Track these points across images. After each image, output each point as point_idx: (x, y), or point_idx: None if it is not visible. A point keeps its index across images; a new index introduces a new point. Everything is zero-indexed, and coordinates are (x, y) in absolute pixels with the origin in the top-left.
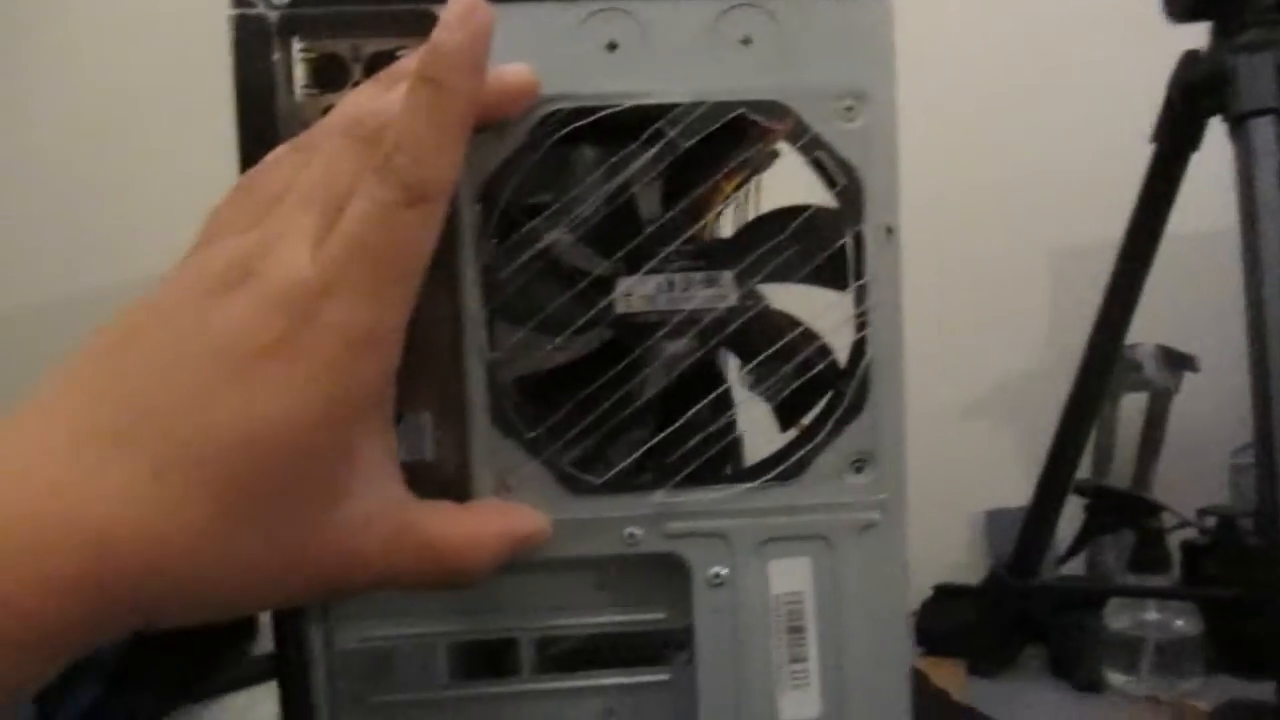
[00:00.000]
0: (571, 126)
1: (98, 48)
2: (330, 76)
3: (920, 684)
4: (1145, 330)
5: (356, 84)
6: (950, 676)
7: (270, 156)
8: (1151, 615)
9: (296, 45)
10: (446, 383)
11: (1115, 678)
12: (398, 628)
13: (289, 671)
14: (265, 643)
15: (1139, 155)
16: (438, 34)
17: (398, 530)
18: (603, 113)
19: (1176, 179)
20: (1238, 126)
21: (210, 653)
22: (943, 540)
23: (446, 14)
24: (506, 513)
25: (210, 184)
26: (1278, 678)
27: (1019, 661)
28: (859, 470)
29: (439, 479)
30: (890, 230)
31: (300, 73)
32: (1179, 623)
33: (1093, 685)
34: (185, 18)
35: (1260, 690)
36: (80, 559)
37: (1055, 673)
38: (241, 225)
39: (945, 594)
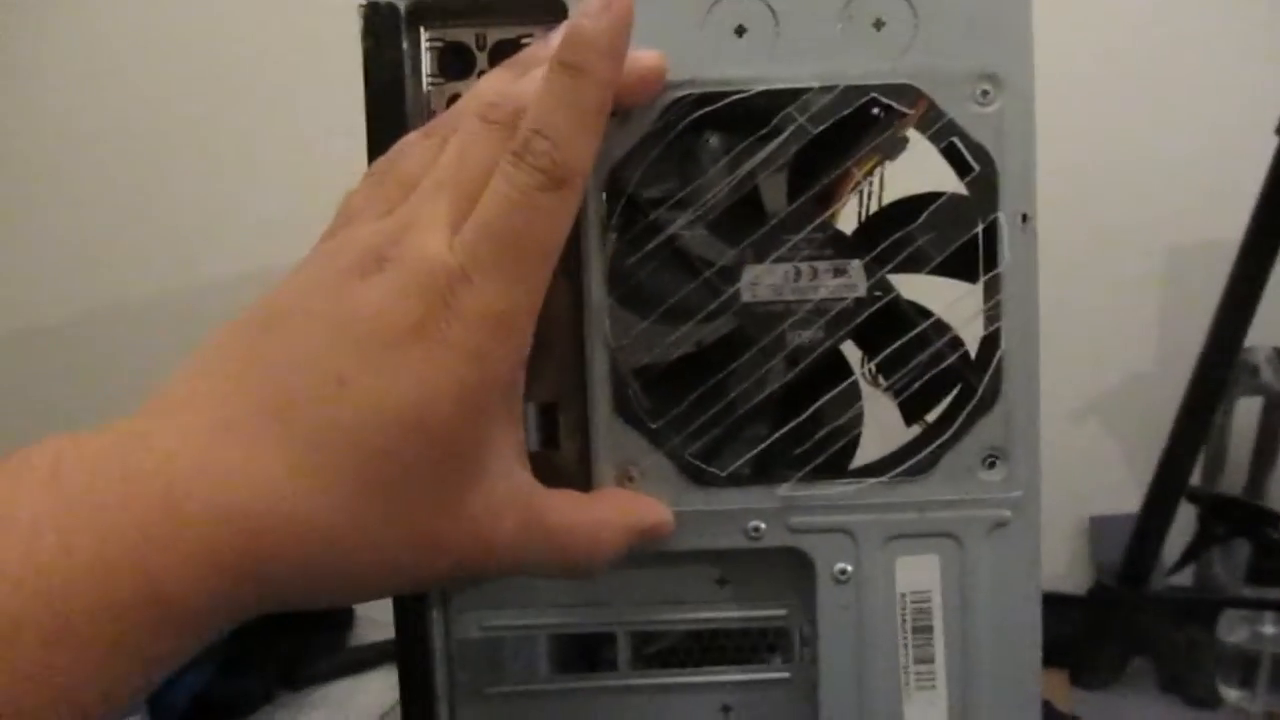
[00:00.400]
0: (699, 113)
1: (227, 38)
2: (456, 65)
3: None
4: (1261, 332)
5: (482, 72)
6: (1054, 686)
7: (401, 143)
8: (1269, 629)
9: (424, 34)
10: (570, 372)
11: (1230, 693)
12: (517, 618)
13: (410, 660)
14: (362, 632)
15: (1263, 149)
16: (580, 19)
17: (527, 518)
18: (732, 98)
19: None
20: None
21: (310, 641)
22: (1046, 546)
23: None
24: (632, 503)
25: (341, 173)
26: None
27: (1126, 674)
28: (991, 466)
29: (562, 468)
30: (1026, 218)
31: (427, 61)
32: None
33: (1206, 701)
34: (311, 6)
35: None
36: (225, 542)
37: (1165, 687)
38: (374, 212)
39: (1049, 602)
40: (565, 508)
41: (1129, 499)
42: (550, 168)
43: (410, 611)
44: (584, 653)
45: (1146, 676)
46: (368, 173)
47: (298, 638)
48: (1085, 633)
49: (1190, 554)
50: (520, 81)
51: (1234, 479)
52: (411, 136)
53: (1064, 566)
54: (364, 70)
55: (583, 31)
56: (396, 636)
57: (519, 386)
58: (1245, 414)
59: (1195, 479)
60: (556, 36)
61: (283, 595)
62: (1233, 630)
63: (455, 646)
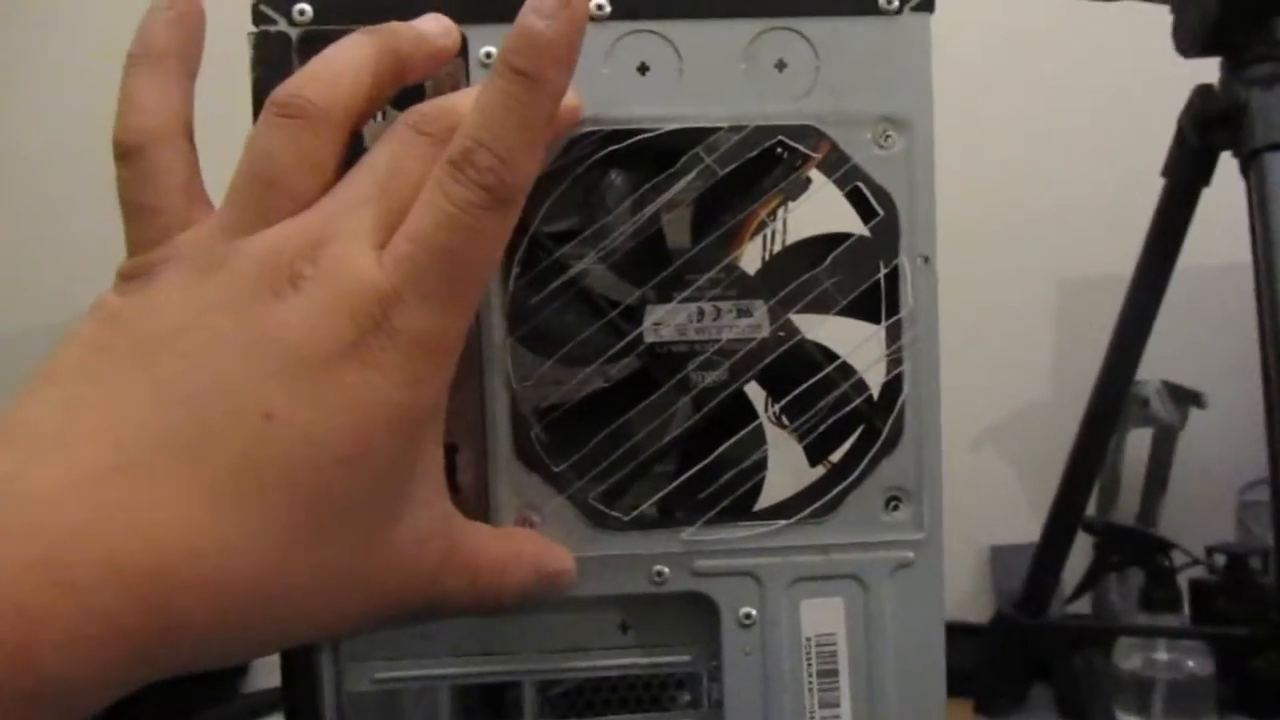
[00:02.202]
0: (606, 150)
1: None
2: None
3: None
4: (1151, 366)
5: None
6: (958, 717)
7: (271, 138)
8: (1162, 655)
9: None
10: (468, 411)
11: (1126, 719)
12: (411, 668)
13: (298, 715)
14: (255, 678)
15: (1151, 188)
16: (532, 21)
17: (447, 547)
18: (641, 137)
19: (1187, 213)
20: (1252, 161)
21: (201, 687)
22: (948, 576)
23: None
24: (539, 543)
25: None
26: None
27: (1027, 702)
28: (894, 508)
29: (463, 511)
30: (927, 260)
31: None
32: (1190, 663)
33: None
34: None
35: None
36: (129, 605)
37: (1064, 713)
38: (249, 224)
39: (952, 631)
40: (480, 538)
41: (1029, 528)
42: (495, 185)
43: (298, 661)
44: (489, 700)
45: (1047, 703)
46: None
47: (186, 683)
48: (988, 661)
49: (1087, 583)
50: (455, 96)
51: (1127, 509)
52: (270, 128)
53: (966, 596)
54: (253, 100)
55: (538, 35)
56: (283, 688)
57: (442, 412)
58: (1137, 445)
59: (1092, 509)
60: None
61: (196, 656)
62: (1128, 657)
63: (347, 699)
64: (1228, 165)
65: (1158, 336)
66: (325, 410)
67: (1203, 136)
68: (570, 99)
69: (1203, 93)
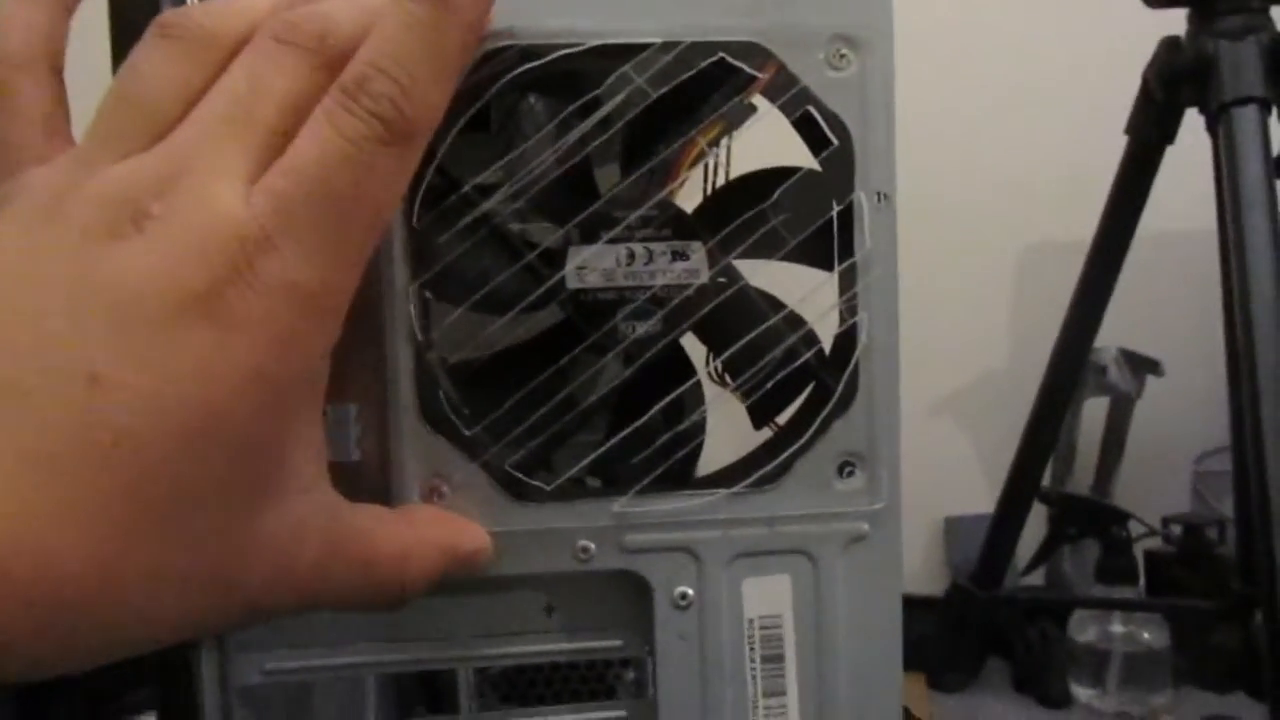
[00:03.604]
0: (520, 70)
1: None
2: None
3: None
4: (1106, 334)
5: None
6: (911, 691)
7: (144, 57)
8: (1118, 627)
9: None
10: (367, 368)
11: (1082, 692)
12: (307, 659)
13: (175, 715)
14: None
15: (1115, 150)
16: None
17: (332, 538)
18: (559, 54)
19: (1151, 173)
20: (1220, 116)
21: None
22: (904, 548)
23: None
24: (447, 523)
25: None
26: (1250, 689)
27: (981, 675)
28: (847, 475)
29: (358, 481)
30: (885, 197)
31: None
32: (1146, 635)
33: (1058, 700)
34: None
35: (1230, 703)
36: None
37: (1019, 687)
38: (111, 152)
39: (906, 604)
40: (373, 526)
41: (984, 499)
42: (393, 117)
43: (172, 654)
44: (425, 682)
45: (1002, 677)
46: (107, 96)
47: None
48: (942, 635)
49: (1042, 554)
50: (327, 2)
51: (1084, 479)
52: (155, 47)
53: (920, 568)
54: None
55: None
56: (158, 681)
57: (324, 379)
58: (1092, 414)
59: (1048, 480)
60: None
61: (20, 667)
62: (1083, 629)
63: (235, 694)
64: (1189, 129)
65: (1114, 303)
66: (165, 375)
67: (1168, 92)
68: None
69: (1169, 46)
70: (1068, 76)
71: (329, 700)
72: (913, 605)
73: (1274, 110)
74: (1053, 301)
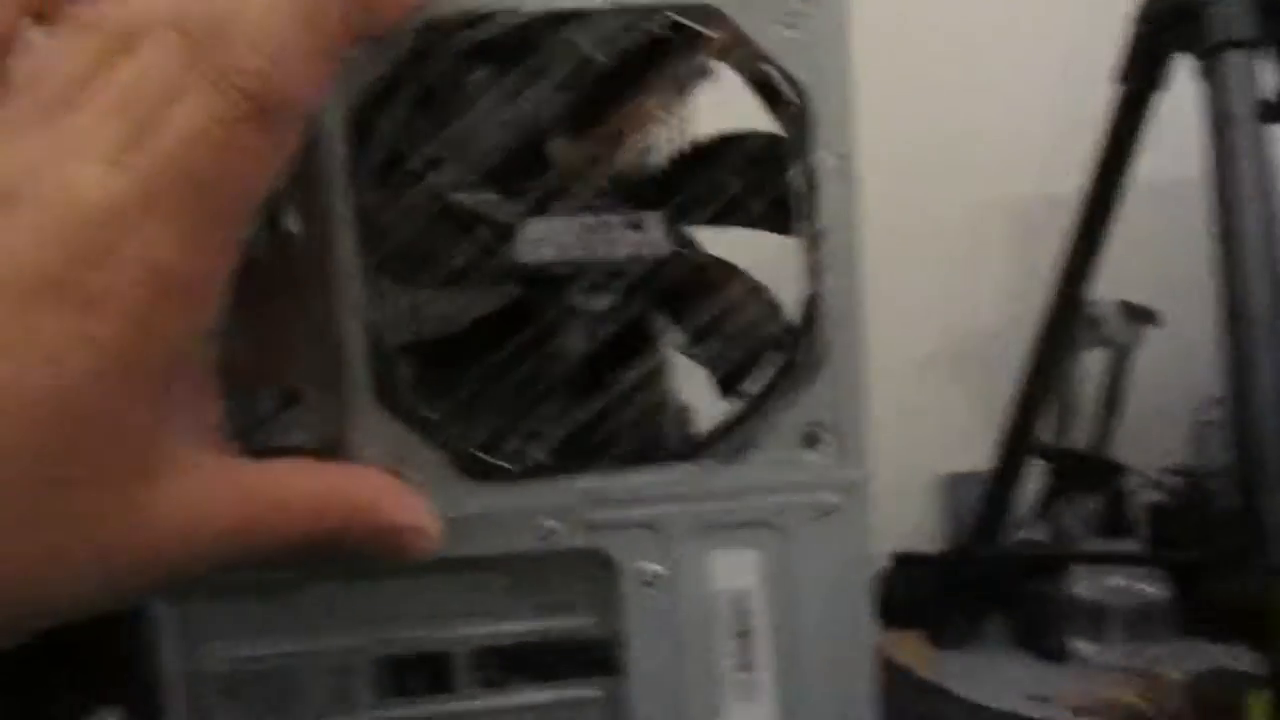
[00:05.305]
0: (462, 39)
1: None
2: None
3: (882, 662)
4: (1103, 285)
5: None
6: (914, 651)
7: (48, 41)
8: (1118, 581)
9: None
10: (322, 348)
11: (1082, 646)
12: (272, 645)
13: (137, 706)
14: None
15: (1105, 101)
16: None
17: (239, 501)
18: (501, 20)
19: (1142, 121)
20: (1208, 60)
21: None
22: (902, 506)
23: None
24: (384, 488)
25: None
26: (1251, 642)
27: (984, 631)
28: (814, 445)
29: None
30: (845, 159)
31: None
32: (1146, 588)
33: (1059, 655)
34: None
35: (1231, 654)
36: None
37: (1021, 643)
38: (7, 130)
39: (906, 562)
40: (284, 476)
41: (984, 455)
42: (259, 91)
43: (132, 643)
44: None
45: (1003, 633)
46: None
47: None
48: (943, 593)
49: (1041, 509)
50: None
51: (1085, 433)
52: (52, 33)
53: (919, 525)
54: None
55: None
56: (122, 672)
57: (204, 360)
58: (1091, 367)
59: (1048, 435)
60: None
61: None
62: (1082, 584)
63: (206, 681)
64: (1182, 79)
65: (1110, 254)
66: (16, 358)
67: (1157, 36)
68: None
69: None
70: (1054, 24)
71: (319, 681)
72: (913, 562)
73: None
74: (1049, 253)
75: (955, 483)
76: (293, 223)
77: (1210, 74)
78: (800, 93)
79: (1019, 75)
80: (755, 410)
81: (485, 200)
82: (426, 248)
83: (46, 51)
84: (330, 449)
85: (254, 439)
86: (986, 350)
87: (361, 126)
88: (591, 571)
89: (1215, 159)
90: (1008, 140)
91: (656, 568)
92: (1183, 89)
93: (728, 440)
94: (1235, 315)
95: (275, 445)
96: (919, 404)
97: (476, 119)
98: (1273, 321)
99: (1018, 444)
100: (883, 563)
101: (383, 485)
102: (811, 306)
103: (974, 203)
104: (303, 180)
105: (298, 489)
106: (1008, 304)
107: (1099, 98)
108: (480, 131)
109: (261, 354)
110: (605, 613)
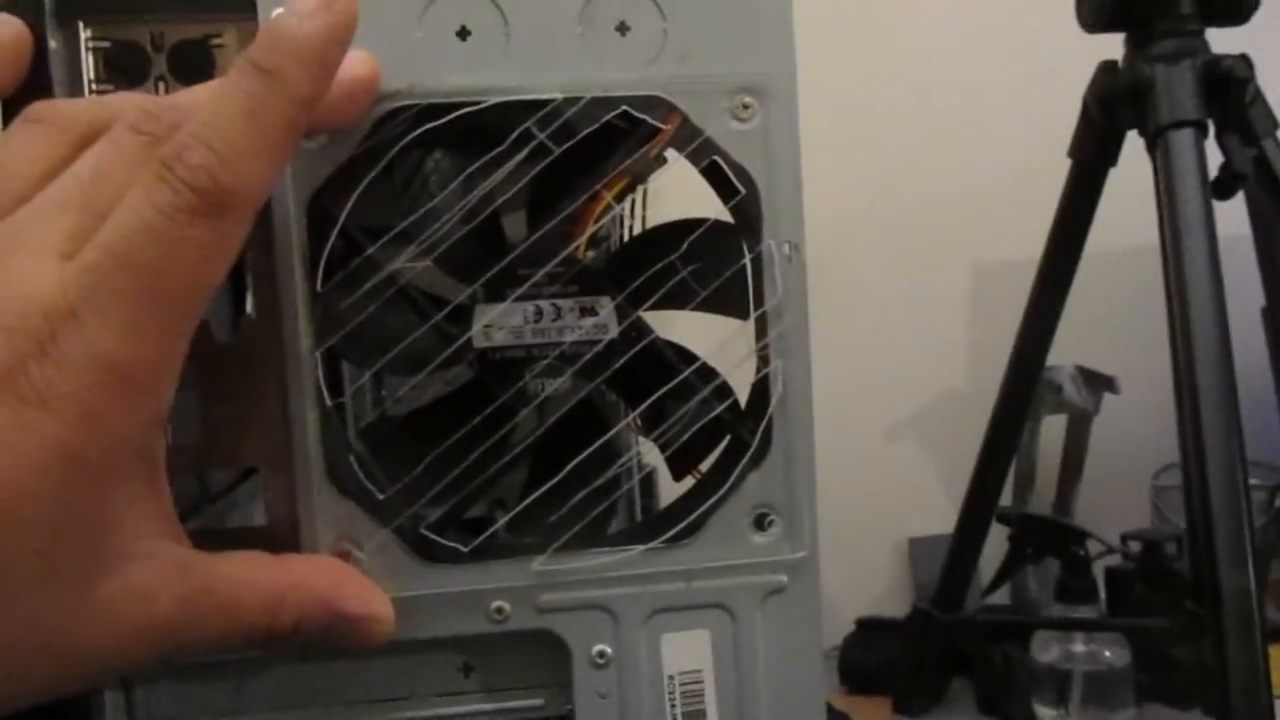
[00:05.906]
0: (421, 129)
1: None
2: (128, 69)
3: None
4: (1062, 351)
5: (160, 79)
6: (876, 715)
7: (6, 139)
8: (1079, 647)
9: (85, 31)
10: (276, 430)
11: (1045, 712)
12: None
13: None
14: None
15: (1062, 167)
16: (285, 17)
17: (187, 591)
18: (459, 112)
19: (1095, 194)
20: (1157, 139)
21: None
22: (865, 570)
23: None
24: (339, 576)
25: None
26: (1205, 706)
27: (945, 698)
28: (763, 526)
29: (273, 547)
30: (795, 248)
31: (89, 65)
32: (1107, 653)
33: None
34: None
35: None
36: None
37: (983, 709)
38: None
39: (868, 627)
40: (239, 571)
41: (947, 519)
42: (207, 187)
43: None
44: None
45: (966, 699)
46: None
47: None
48: (906, 658)
49: (1002, 575)
50: (185, 93)
51: (1044, 497)
52: (11, 130)
53: (884, 589)
54: None
55: (285, 33)
56: None
57: (154, 450)
58: (1050, 433)
59: (1006, 499)
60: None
61: None
62: (1045, 649)
63: None
64: (1136, 146)
65: (1069, 321)
66: None
67: (1108, 115)
68: (363, 68)
69: (1107, 69)
70: (1020, 99)
71: None
72: (877, 628)
73: (1211, 131)
74: (1011, 320)
75: (921, 547)
76: (250, 306)
77: (1158, 151)
78: (749, 183)
79: (982, 145)
80: (705, 492)
81: (443, 284)
82: (384, 332)
83: (8, 145)
84: (283, 528)
85: (206, 514)
86: (954, 414)
87: (319, 214)
88: (543, 653)
89: (1167, 233)
90: (970, 205)
91: (607, 649)
92: (1141, 158)
93: (677, 522)
94: (1185, 383)
95: (227, 528)
96: (883, 467)
97: (436, 205)
98: (1223, 391)
99: (980, 509)
100: (848, 628)
101: (339, 576)
102: (760, 390)
103: (940, 267)
104: (260, 266)
105: (253, 583)
106: (973, 369)
107: (1058, 168)
108: (439, 217)
109: (215, 435)
110: (556, 694)
